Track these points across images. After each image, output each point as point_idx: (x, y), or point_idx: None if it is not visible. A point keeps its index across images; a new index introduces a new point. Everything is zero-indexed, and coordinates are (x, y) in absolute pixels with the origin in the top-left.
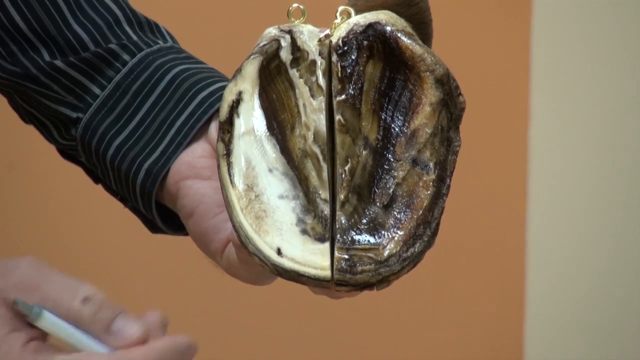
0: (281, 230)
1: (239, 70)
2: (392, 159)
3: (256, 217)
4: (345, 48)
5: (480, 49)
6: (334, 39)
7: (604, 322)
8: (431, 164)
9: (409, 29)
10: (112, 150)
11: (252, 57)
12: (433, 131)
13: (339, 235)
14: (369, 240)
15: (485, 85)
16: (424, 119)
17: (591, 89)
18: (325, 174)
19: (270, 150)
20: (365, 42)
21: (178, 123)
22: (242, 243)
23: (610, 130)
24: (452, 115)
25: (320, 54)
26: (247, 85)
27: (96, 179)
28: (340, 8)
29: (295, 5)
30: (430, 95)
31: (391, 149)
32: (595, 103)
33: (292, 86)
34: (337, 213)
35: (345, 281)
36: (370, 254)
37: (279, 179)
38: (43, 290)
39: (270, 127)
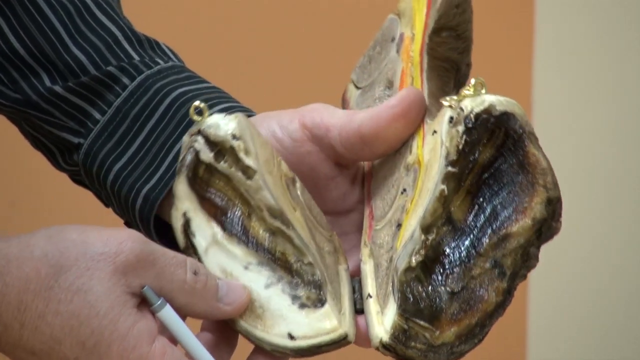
0: (282, 316)
1: (173, 194)
2: (474, 251)
3: (256, 317)
4: (478, 123)
5: (484, 51)
6: (465, 107)
7: (607, 321)
8: (508, 273)
9: (534, 132)
10: (112, 175)
11: (178, 176)
12: (524, 244)
13: (400, 300)
14: (428, 319)
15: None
16: (521, 229)
17: (594, 92)
18: (297, 240)
19: (237, 249)
20: (493, 126)
21: (176, 148)
22: (256, 344)
23: (615, 132)
24: (543, 235)
25: (237, 137)
26: (186, 204)
27: (105, 203)
28: (474, 80)
29: (196, 103)
30: (536, 210)
31: (475, 239)
32: (598, 105)
33: (228, 178)
34: (400, 275)
35: (394, 349)
36: (426, 334)
37: (258, 271)
38: (158, 266)
39: (226, 228)
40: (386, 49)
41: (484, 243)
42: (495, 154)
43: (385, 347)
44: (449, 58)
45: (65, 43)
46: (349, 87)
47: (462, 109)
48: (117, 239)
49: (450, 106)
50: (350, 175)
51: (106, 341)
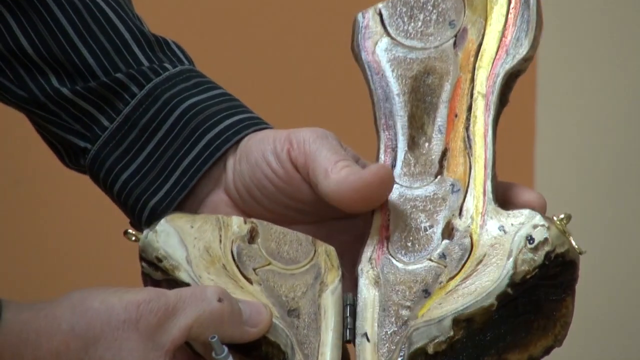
0: None
1: None
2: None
3: None
4: (552, 261)
5: None
6: (550, 242)
7: (609, 322)
8: None
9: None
10: (119, 184)
11: None
12: None
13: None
14: None
15: None
16: (517, 359)
17: (598, 94)
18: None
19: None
20: (556, 261)
21: (184, 164)
22: None
23: (618, 131)
24: None
25: (160, 259)
26: None
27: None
28: (564, 214)
29: (129, 230)
30: (536, 351)
31: (481, 351)
32: (602, 108)
33: None
34: (412, 351)
35: None
36: None
37: None
38: (179, 312)
39: None
40: (437, 27)
41: (486, 357)
42: (537, 284)
43: None
44: (501, 112)
45: (74, 44)
46: (373, 16)
47: (546, 241)
48: (135, 303)
49: (533, 226)
50: None
51: None
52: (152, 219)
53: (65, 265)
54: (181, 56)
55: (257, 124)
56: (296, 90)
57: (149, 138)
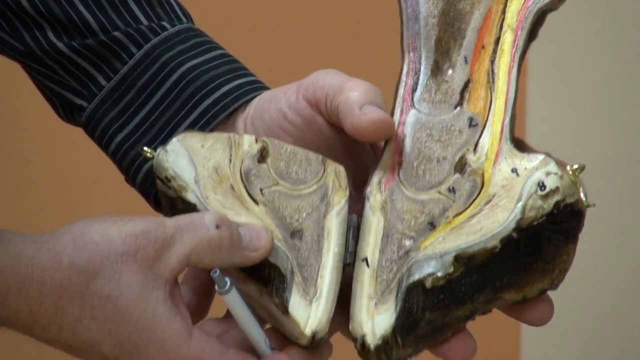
0: (279, 321)
1: None
2: (470, 299)
3: (277, 323)
4: (561, 211)
5: None
6: (562, 192)
7: (602, 322)
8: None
9: None
10: (114, 145)
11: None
12: (499, 307)
13: (399, 311)
14: (403, 335)
15: None
16: (510, 298)
17: (588, 87)
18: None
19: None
20: (565, 210)
21: (181, 129)
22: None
23: (609, 136)
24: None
25: (169, 179)
26: None
27: None
28: (577, 165)
29: (145, 148)
30: (531, 292)
31: (477, 289)
32: (593, 102)
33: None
34: (410, 283)
35: (368, 357)
36: (394, 350)
37: (248, 286)
38: (177, 241)
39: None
40: None
41: (481, 295)
42: (541, 228)
43: (362, 348)
44: (529, 47)
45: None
46: None
47: (557, 190)
48: (134, 235)
49: (546, 173)
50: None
51: (144, 343)
52: (146, 183)
53: (59, 209)
54: (179, 12)
55: (256, 89)
56: (305, 42)
57: (146, 100)
